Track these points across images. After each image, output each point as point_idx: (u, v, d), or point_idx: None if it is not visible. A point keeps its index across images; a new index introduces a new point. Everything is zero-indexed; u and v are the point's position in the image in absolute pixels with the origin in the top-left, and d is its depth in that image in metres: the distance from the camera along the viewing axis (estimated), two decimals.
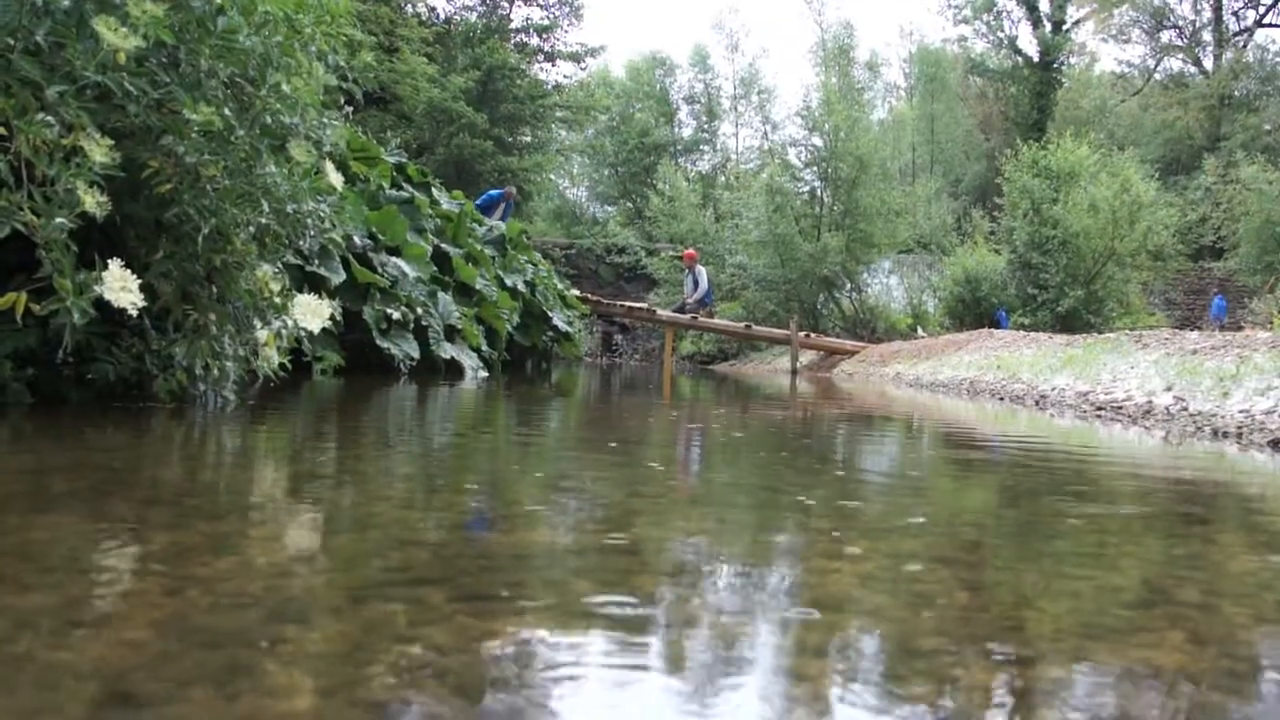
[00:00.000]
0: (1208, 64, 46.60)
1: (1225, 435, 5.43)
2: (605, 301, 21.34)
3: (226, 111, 3.75)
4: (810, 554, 1.90)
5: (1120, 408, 7.05)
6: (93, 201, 3.13)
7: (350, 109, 6.05)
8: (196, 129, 3.62)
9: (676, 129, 52.00)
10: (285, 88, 4.04)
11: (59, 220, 3.05)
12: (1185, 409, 6.35)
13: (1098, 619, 1.50)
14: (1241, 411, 5.77)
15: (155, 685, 1.01)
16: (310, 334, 4.62)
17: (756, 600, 1.51)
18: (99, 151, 3.17)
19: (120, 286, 3.25)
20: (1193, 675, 1.21)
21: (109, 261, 3.27)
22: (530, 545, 1.86)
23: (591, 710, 1.03)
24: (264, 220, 4.05)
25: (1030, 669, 1.21)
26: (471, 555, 1.75)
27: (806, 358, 20.23)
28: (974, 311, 24.15)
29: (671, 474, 3.34)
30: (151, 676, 1.04)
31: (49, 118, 3.10)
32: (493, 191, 18.02)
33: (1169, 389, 7.02)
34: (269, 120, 4.02)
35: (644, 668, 1.16)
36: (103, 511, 1.96)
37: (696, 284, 22.63)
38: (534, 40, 37.92)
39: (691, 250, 24.19)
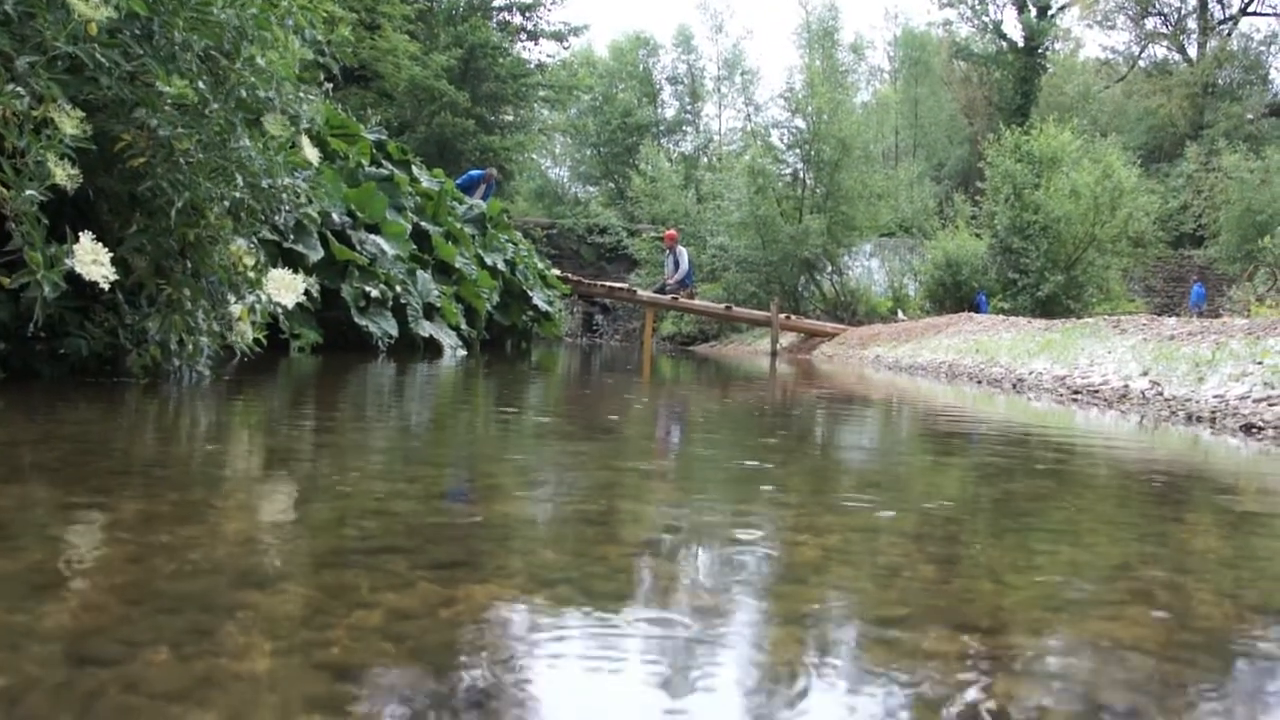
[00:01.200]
0: (1192, 52, 46.69)
1: (1199, 420, 5.47)
2: (586, 281, 21.31)
3: (201, 85, 3.72)
4: (781, 528, 1.90)
5: (1097, 392, 7.08)
6: (63, 174, 3.11)
7: (330, 85, 6.02)
8: (170, 102, 3.60)
9: (659, 109, 51.87)
10: (260, 61, 4.02)
11: (29, 192, 3.02)
12: (1161, 394, 6.39)
13: (1061, 593, 1.52)
14: (1216, 396, 5.80)
15: (114, 647, 1.02)
16: (285, 309, 4.61)
17: (723, 572, 1.52)
18: (70, 123, 3.14)
19: (91, 260, 3.23)
20: (1150, 647, 1.22)
21: (80, 234, 3.25)
22: (499, 516, 1.86)
23: (551, 673, 1.04)
24: (238, 195, 4.03)
25: (990, 639, 1.22)
26: (438, 525, 1.75)
27: (786, 339, 20.23)
28: (954, 295, 24.18)
29: (645, 451, 3.35)
30: (111, 639, 1.04)
31: (19, 89, 3.07)
32: (474, 171, 17.93)
33: (1145, 374, 7.06)
34: (244, 94, 4.00)
35: (605, 636, 1.16)
36: (71, 482, 1.95)
37: (677, 265, 22.61)
38: (517, 18, 37.62)
39: (672, 231, 24.13)
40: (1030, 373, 8.77)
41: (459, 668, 1.04)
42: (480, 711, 0.92)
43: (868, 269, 28.50)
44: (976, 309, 21.49)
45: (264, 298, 4.36)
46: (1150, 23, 48.72)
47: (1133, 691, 1.07)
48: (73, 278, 3.28)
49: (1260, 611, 1.46)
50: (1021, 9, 39.36)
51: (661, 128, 50.67)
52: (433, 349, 9.03)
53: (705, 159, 44.84)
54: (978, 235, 25.84)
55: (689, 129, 52.70)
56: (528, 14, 37.60)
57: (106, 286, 3.35)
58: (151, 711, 0.86)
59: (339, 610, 1.18)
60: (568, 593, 1.31)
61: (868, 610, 1.33)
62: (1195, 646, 1.25)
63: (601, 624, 1.20)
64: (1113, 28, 49.59)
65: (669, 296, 21.25)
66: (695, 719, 0.94)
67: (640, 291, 21.82)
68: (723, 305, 21.98)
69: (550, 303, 14.23)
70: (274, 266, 4.58)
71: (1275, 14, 45.98)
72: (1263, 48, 46.02)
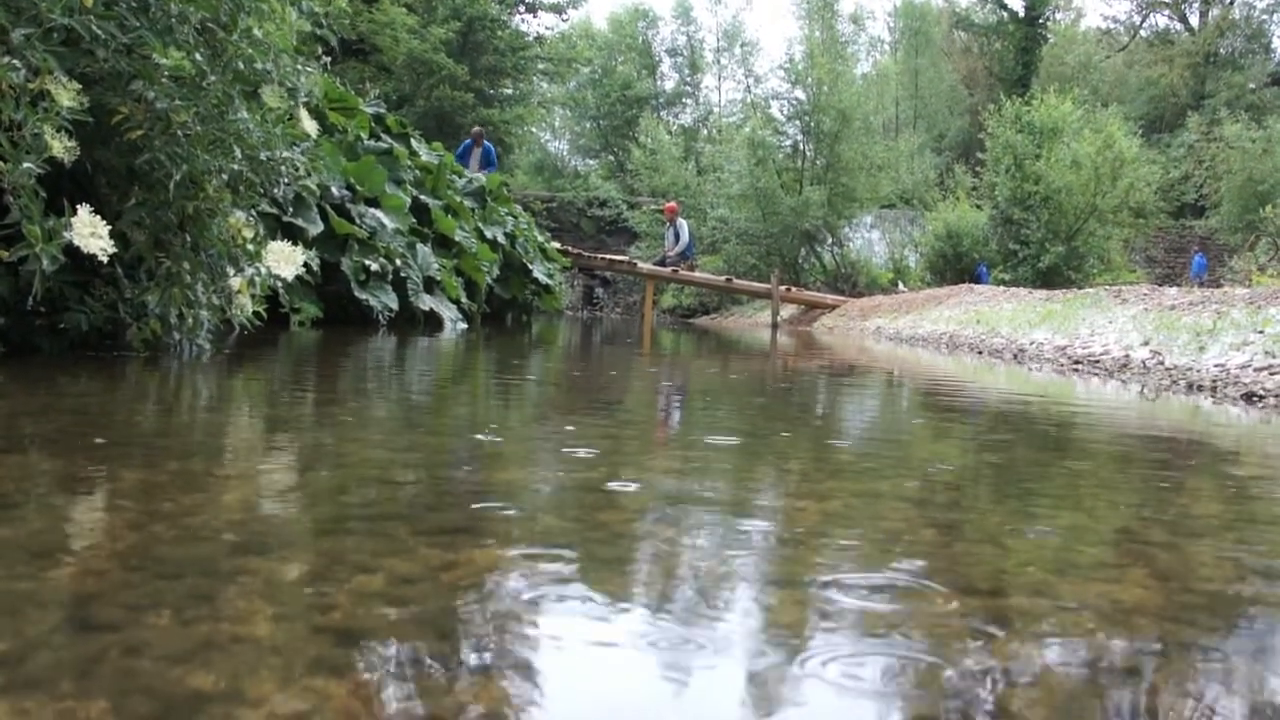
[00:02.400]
0: (1194, 20, 46.45)
1: (1200, 389, 5.47)
2: (586, 255, 21.27)
3: (198, 57, 3.71)
4: (782, 494, 1.91)
5: (1098, 362, 7.08)
6: (60, 146, 3.09)
7: (328, 58, 6.00)
8: (167, 74, 3.58)
9: (659, 82, 51.77)
10: (258, 33, 4.00)
11: (26, 165, 3.01)
12: (1161, 363, 6.39)
13: (1063, 555, 1.52)
14: (1217, 365, 5.80)
15: (115, 612, 1.02)
16: (284, 282, 4.60)
17: (724, 538, 1.52)
18: (66, 96, 3.13)
19: (90, 232, 3.22)
20: (1151, 608, 1.22)
21: (78, 207, 3.24)
22: (500, 483, 1.86)
23: (551, 635, 1.04)
24: (237, 167, 4.02)
25: (991, 600, 1.22)
26: (439, 492, 1.75)
27: (787, 311, 20.22)
28: (955, 267, 24.14)
29: (645, 422, 3.35)
30: (112, 604, 1.04)
31: (15, 61, 3.05)
32: (467, 141, 17.87)
33: (1146, 344, 7.05)
34: (241, 66, 3.98)
35: (605, 600, 1.16)
36: (72, 452, 1.95)
37: (678, 237, 22.51)
38: None
39: (673, 203, 24.05)
40: (1031, 343, 8.77)
41: (460, 630, 1.04)
42: (482, 672, 0.92)
43: (868, 241, 28.48)
44: (977, 280, 21.45)
45: (263, 270, 4.35)
46: None
47: (1134, 651, 1.07)
48: (71, 251, 3.27)
49: (1260, 574, 1.46)
50: None
51: (661, 100, 50.59)
52: (433, 323, 9.02)
53: (705, 131, 44.76)
54: (978, 206, 25.80)
55: (688, 101, 52.62)
56: None
57: (105, 259, 3.34)
58: (153, 674, 0.86)
59: (340, 575, 1.18)
60: (568, 557, 1.31)
61: (869, 573, 1.33)
62: (1197, 607, 1.25)
63: (601, 588, 1.20)
64: None
65: (669, 269, 21.21)
66: (697, 683, 0.94)
67: (641, 264, 21.78)
68: (723, 277, 21.96)
69: (550, 276, 14.20)
70: (273, 240, 4.57)
71: None
72: (1265, 16, 45.81)
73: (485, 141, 17.72)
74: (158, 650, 0.92)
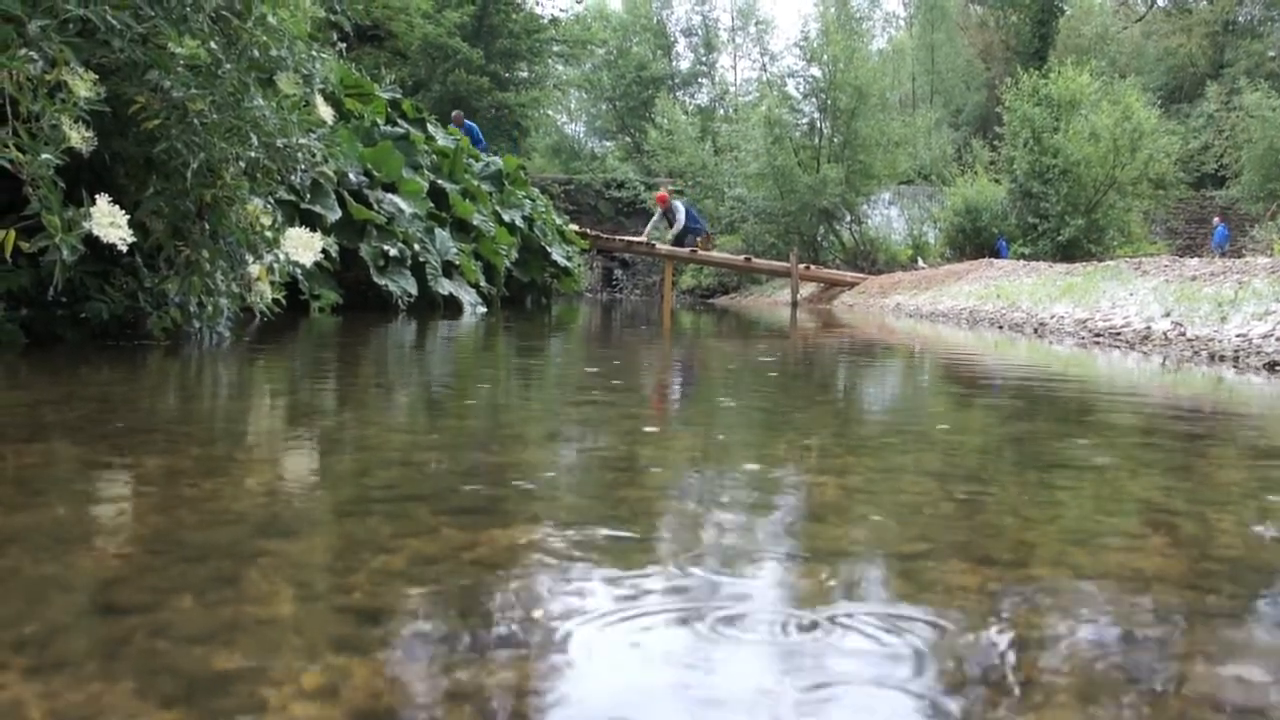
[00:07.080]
0: None
1: (1222, 359, 5.44)
2: (605, 236, 21.23)
3: (213, 45, 3.72)
4: (804, 470, 1.91)
5: (1118, 334, 7.04)
6: (78, 137, 3.11)
7: (343, 45, 6.00)
8: (183, 63, 3.59)
9: (674, 62, 51.60)
10: (272, 20, 4.01)
11: (45, 156, 3.02)
12: (1183, 334, 6.35)
13: (1083, 525, 1.51)
14: (1239, 336, 5.76)
15: (140, 595, 1.03)
16: (303, 268, 4.61)
17: (744, 514, 1.52)
18: (83, 86, 3.14)
19: (109, 222, 3.23)
20: (1170, 576, 1.22)
21: (97, 197, 3.25)
22: (521, 464, 1.87)
23: (573, 614, 1.04)
24: (254, 154, 4.03)
25: (1010, 571, 1.22)
26: (460, 474, 1.76)
27: (807, 290, 20.17)
28: (974, 242, 24.03)
29: (667, 401, 3.35)
30: (136, 587, 1.05)
31: (32, 53, 3.06)
32: (469, 123, 17.67)
33: (1167, 315, 7.01)
34: (256, 53, 3.98)
35: (626, 578, 1.17)
36: (94, 439, 1.96)
37: (672, 223, 22.03)
38: None
39: (661, 192, 23.52)
40: (1052, 317, 8.73)
41: (482, 609, 1.04)
42: (503, 650, 0.93)
43: (887, 217, 28.36)
44: (997, 255, 21.35)
45: (282, 257, 4.37)
46: None
47: (1157, 620, 1.07)
48: (91, 242, 3.28)
49: None
50: None
51: (676, 80, 50.43)
52: (452, 307, 9.03)
53: (721, 111, 44.62)
54: (997, 181, 25.66)
55: (704, 81, 52.46)
56: None
57: (124, 249, 3.35)
58: (178, 655, 0.87)
59: (362, 556, 1.19)
60: (589, 535, 1.32)
61: (890, 546, 1.34)
62: (1217, 575, 1.24)
63: (623, 566, 1.20)
64: None
65: (688, 249, 21.13)
66: (720, 660, 0.95)
67: (659, 245, 21.72)
68: (742, 257, 21.90)
69: (569, 258, 14.19)
70: (291, 227, 4.58)
71: None
72: None
73: (466, 122, 17.38)
74: (182, 631, 0.93)
